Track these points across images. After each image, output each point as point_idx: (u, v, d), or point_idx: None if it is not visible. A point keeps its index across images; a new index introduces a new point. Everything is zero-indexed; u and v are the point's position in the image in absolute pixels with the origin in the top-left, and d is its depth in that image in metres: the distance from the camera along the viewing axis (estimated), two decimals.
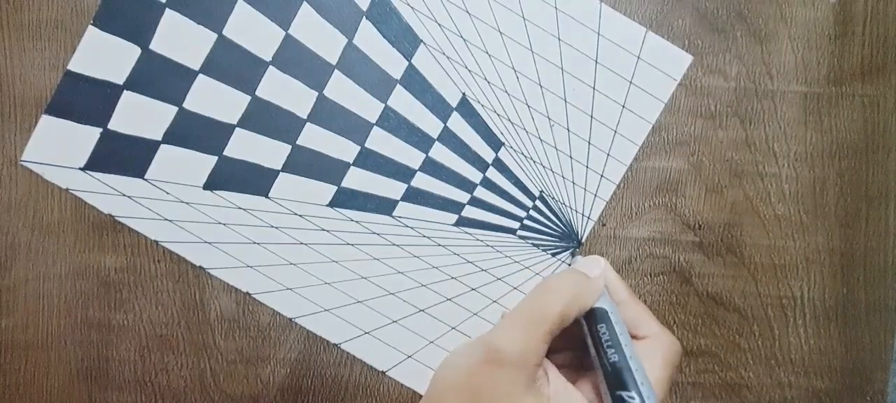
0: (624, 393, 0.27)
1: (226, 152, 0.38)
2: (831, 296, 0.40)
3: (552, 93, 0.39)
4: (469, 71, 0.38)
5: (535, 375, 0.28)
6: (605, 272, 0.33)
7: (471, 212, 0.39)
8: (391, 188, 0.39)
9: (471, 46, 0.38)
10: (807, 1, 0.38)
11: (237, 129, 0.38)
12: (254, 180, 0.39)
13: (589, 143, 0.39)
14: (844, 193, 0.40)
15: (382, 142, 0.39)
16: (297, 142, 0.38)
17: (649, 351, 0.30)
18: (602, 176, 0.39)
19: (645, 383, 0.27)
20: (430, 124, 0.39)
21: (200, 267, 0.39)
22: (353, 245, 0.39)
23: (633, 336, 0.31)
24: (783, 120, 0.39)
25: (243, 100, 0.38)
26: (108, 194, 0.38)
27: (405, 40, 0.38)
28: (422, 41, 0.38)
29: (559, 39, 0.38)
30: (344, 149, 0.39)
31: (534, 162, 0.39)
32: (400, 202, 0.39)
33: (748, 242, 0.40)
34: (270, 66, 0.38)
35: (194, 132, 0.38)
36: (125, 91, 0.37)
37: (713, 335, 0.40)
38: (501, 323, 0.29)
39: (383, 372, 0.40)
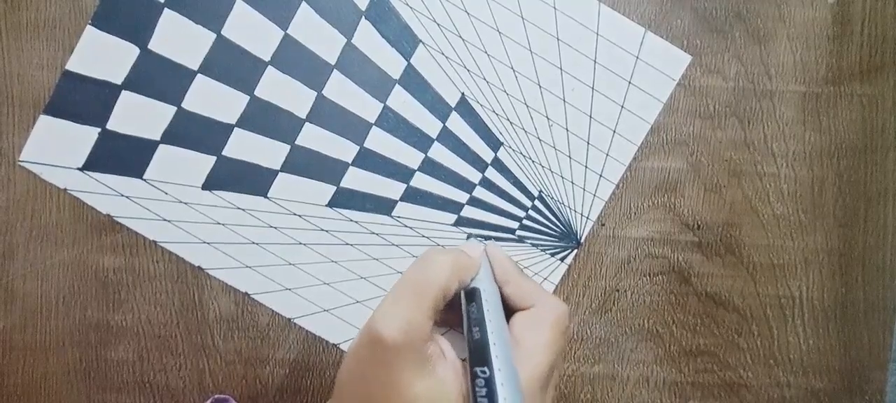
0: (478, 369, 0.26)
1: (224, 152, 0.38)
2: (830, 296, 0.40)
3: (551, 93, 0.39)
4: (468, 71, 0.38)
5: (423, 353, 0.26)
6: (491, 254, 0.32)
7: (470, 212, 0.39)
8: (390, 188, 0.39)
9: (470, 46, 0.38)
10: (805, 1, 0.38)
11: (236, 129, 0.38)
12: (253, 180, 0.39)
13: (588, 143, 0.39)
14: (843, 193, 0.40)
15: (381, 142, 0.39)
16: (296, 142, 0.38)
17: (534, 317, 0.30)
18: (601, 176, 0.39)
19: (501, 357, 0.27)
20: (429, 124, 0.39)
21: (199, 268, 0.39)
22: (352, 245, 0.39)
23: (522, 309, 0.31)
24: (782, 120, 0.39)
25: (242, 100, 0.38)
26: (107, 194, 0.38)
27: (404, 40, 0.38)
28: (421, 41, 0.38)
29: (558, 39, 0.38)
30: (343, 148, 0.39)
31: (533, 162, 0.39)
32: (399, 202, 0.39)
33: (747, 242, 0.40)
34: (269, 66, 0.38)
35: (193, 132, 0.38)
36: (123, 91, 0.37)
37: (712, 334, 0.40)
38: (382, 302, 0.27)
39: None
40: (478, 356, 0.27)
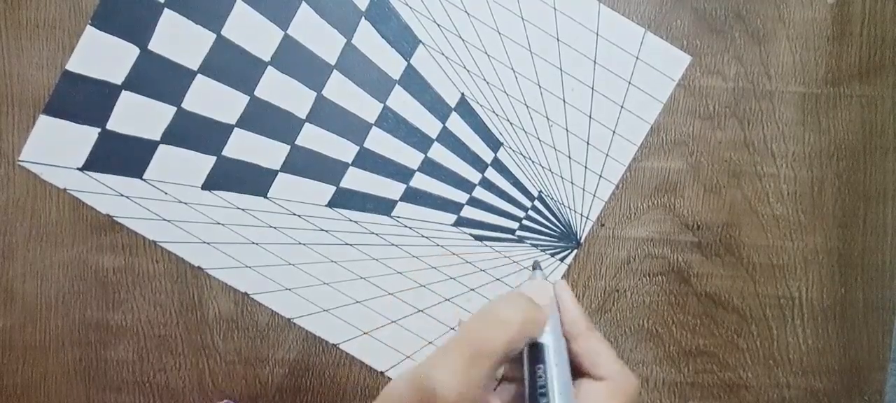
0: None
1: (224, 152, 0.38)
2: (829, 296, 0.40)
3: (551, 93, 0.39)
4: (468, 71, 0.38)
5: None
6: (561, 299, 0.29)
7: (470, 212, 0.39)
8: (390, 188, 0.39)
9: (470, 47, 0.38)
10: (805, 2, 0.38)
11: (236, 129, 0.38)
12: (252, 180, 0.39)
13: (588, 144, 0.39)
14: (842, 193, 0.40)
15: (381, 143, 0.39)
16: (296, 143, 0.38)
17: (604, 396, 0.27)
18: (601, 176, 0.39)
19: None
20: (429, 124, 0.39)
21: (199, 268, 0.39)
22: (351, 245, 0.39)
23: (589, 374, 0.28)
24: (781, 120, 0.39)
25: (242, 100, 0.38)
26: (107, 194, 0.38)
27: (404, 40, 0.38)
28: (420, 41, 0.38)
29: (558, 40, 0.38)
30: (343, 149, 0.39)
31: (532, 162, 0.39)
32: (399, 202, 0.39)
33: (746, 242, 0.40)
34: (269, 67, 0.38)
35: (193, 132, 0.38)
36: (123, 91, 0.37)
37: (712, 335, 0.40)
38: (440, 355, 0.25)
39: (382, 373, 0.40)
40: None
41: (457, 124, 0.39)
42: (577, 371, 0.28)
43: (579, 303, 0.30)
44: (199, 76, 0.37)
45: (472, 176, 0.39)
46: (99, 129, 0.37)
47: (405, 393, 0.25)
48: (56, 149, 0.38)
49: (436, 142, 0.39)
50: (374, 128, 0.39)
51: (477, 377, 0.24)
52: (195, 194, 0.38)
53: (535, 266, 0.33)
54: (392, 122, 0.39)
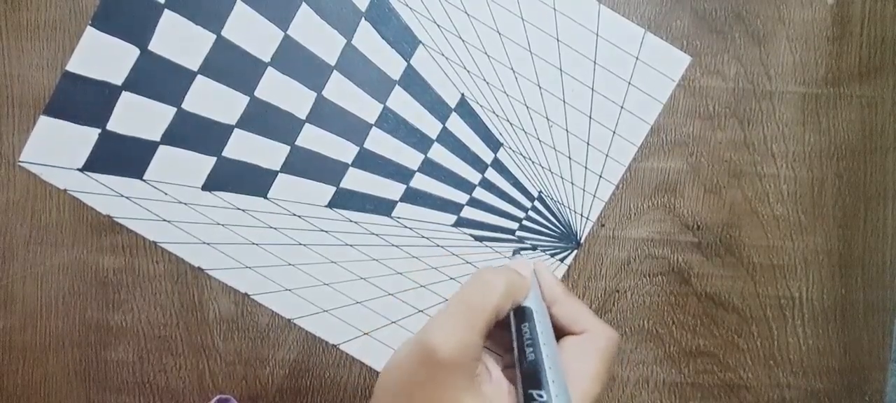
0: (534, 392, 0.26)
1: (224, 153, 0.38)
2: (829, 297, 0.40)
3: (551, 93, 0.39)
4: (468, 72, 0.38)
5: (473, 372, 0.27)
6: (539, 273, 0.32)
7: (470, 213, 0.39)
8: (390, 189, 0.39)
9: (470, 47, 0.38)
10: (805, 2, 0.38)
11: (236, 130, 0.38)
12: (252, 181, 0.39)
13: (588, 144, 0.39)
14: (842, 194, 0.40)
15: (381, 143, 0.39)
16: (296, 143, 0.38)
17: (585, 345, 0.30)
18: (601, 176, 0.39)
19: (557, 382, 0.27)
20: (429, 125, 0.39)
21: (199, 268, 0.39)
22: (351, 245, 0.39)
23: (571, 333, 0.31)
24: (781, 120, 0.39)
25: (242, 100, 0.38)
26: (107, 195, 0.38)
27: (404, 41, 0.38)
28: (420, 42, 0.38)
29: (558, 40, 0.38)
30: (343, 149, 0.39)
31: (532, 162, 0.39)
32: (399, 203, 0.39)
33: (747, 243, 0.40)
34: (269, 67, 0.38)
35: (193, 133, 0.38)
36: (124, 92, 0.37)
37: (712, 335, 0.40)
38: (436, 319, 0.28)
39: None
40: (533, 378, 0.27)
41: (457, 125, 0.39)
42: (559, 333, 0.31)
43: (556, 276, 0.33)
44: (199, 77, 0.37)
45: (472, 176, 0.39)
46: (99, 130, 0.38)
47: (409, 354, 0.27)
48: (56, 149, 0.38)
49: (436, 143, 0.39)
50: (374, 128, 0.39)
51: (471, 334, 0.27)
52: (195, 195, 0.38)
53: (516, 252, 0.37)
54: (392, 123, 0.39)
